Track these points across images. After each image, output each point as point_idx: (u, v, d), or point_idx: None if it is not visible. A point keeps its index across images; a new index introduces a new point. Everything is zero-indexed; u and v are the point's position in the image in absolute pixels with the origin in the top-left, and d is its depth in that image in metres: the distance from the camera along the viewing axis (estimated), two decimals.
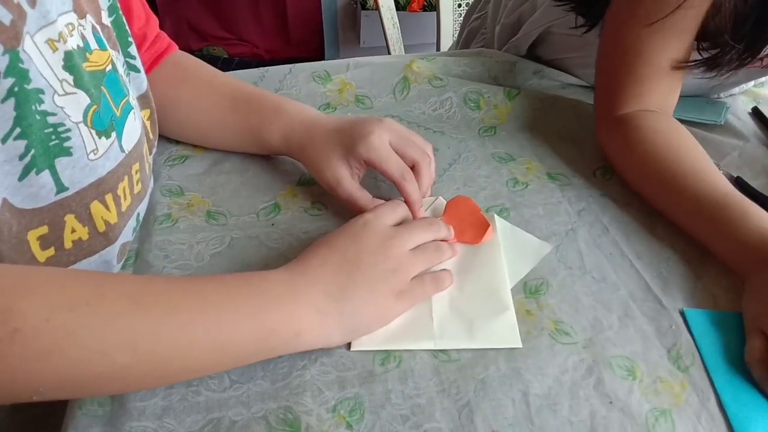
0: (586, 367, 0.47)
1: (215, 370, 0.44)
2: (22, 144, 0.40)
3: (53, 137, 0.42)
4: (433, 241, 0.52)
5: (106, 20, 0.50)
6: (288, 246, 0.56)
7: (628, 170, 0.62)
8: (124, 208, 0.50)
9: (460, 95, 0.72)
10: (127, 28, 0.54)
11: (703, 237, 0.55)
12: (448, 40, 1.32)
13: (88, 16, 0.47)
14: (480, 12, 0.96)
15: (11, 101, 0.38)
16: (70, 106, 0.43)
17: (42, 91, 0.41)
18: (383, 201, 0.57)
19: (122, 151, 0.49)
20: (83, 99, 0.44)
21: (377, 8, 1.26)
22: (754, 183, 0.62)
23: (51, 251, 0.44)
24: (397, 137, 0.57)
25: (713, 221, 0.53)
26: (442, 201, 0.59)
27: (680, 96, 0.63)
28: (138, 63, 0.55)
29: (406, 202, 0.56)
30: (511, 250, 0.55)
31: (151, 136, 0.58)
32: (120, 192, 0.49)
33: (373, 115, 0.70)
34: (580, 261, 0.55)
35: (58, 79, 0.42)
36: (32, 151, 0.40)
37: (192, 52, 2.33)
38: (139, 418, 0.43)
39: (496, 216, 0.58)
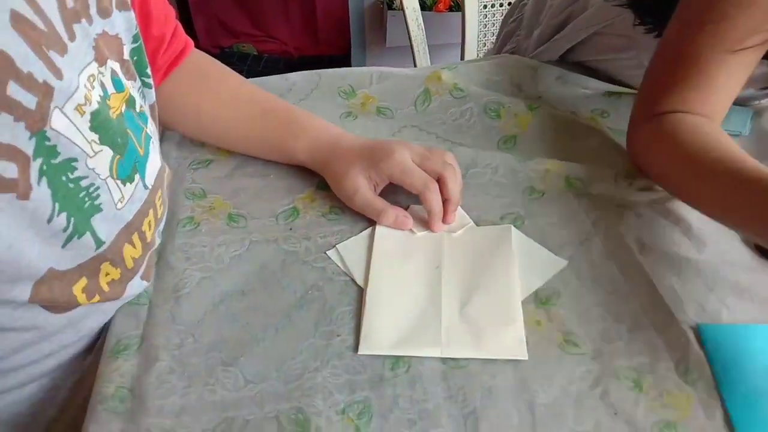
0: (593, 378, 0.47)
1: None
2: (63, 217, 0.41)
3: (86, 199, 0.43)
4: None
5: (127, 54, 0.50)
6: (305, 250, 0.58)
7: (658, 158, 0.59)
8: (149, 239, 0.53)
9: (481, 105, 0.72)
10: (145, 55, 0.53)
11: (742, 220, 0.50)
12: (472, 40, 1.32)
13: (108, 61, 0.46)
14: (516, 15, 0.96)
15: (44, 181, 0.39)
16: (99, 164, 0.44)
17: (75, 159, 0.41)
18: (400, 208, 0.59)
19: (146, 188, 0.51)
20: (108, 153, 0.45)
21: (402, 9, 1.27)
22: None
23: (96, 298, 0.47)
24: (419, 154, 0.59)
25: (753, 201, 0.48)
26: (512, 229, 0.59)
27: None
28: (151, 80, 0.55)
29: (428, 212, 0.58)
30: (525, 263, 0.56)
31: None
32: (145, 227, 0.51)
33: (393, 125, 0.72)
34: (592, 272, 0.55)
35: (87, 141, 0.42)
36: (72, 220, 0.42)
37: (222, 49, 2.38)
38: (157, 416, 0.45)
39: (513, 228, 0.59)
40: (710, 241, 0.58)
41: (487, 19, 1.34)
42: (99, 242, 0.45)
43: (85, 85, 0.42)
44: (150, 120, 0.54)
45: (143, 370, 0.48)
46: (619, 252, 0.57)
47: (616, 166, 0.65)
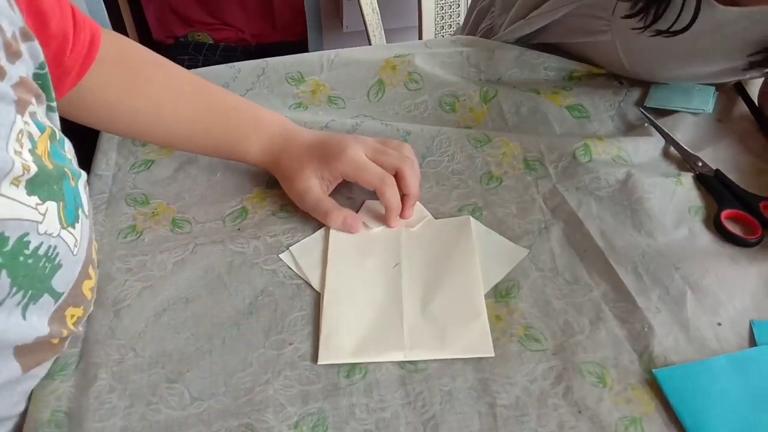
0: (555, 375, 0.46)
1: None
2: (19, 295, 0.37)
3: (47, 265, 0.39)
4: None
5: (31, 78, 0.42)
6: (254, 250, 0.55)
7: None
8: (96, 260, 0.48)
9: (435, 98, 0.70)
10: (50, 81, 0.44)
11: None
12: (430, 23, 1.29)
13: (30, 106, 0.40)
14: None
15: (3, 274, 0.35)
16: (49, 223, 0.39)
17: (26, 234, 0.37)
18: (349, 209, 0.56)
19: (86, 216, 0.46)
20: (53, 207, 0.40)
21: None
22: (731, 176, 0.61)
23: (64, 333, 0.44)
24: (373, 149, 0.57)
25: None
26: (471, 220, 0.57)
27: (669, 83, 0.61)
28: (55, 104, 0.46)
29: (386, 208, 0.56)
30: (485, 255, 0.54)
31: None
32: (94, 254, 0.47)
33: (345, 114, 0.69)
34: (552, 262, 0.54)
35: (32, 207, 0.38)
36: (29, 293, 0.38)
37: (176, 39, 2.31)
38: None
39: (471, 219, 0.57)
40: (670, 224, 0.56)
41: (443, 1, 1.31)
42: (57, 296, 0.41)
43: (16, 152, 0.37)
44: (68, 148, 0.47)
45: (81, 390, 0.45)
46: (579, 239, 0.55)
47: (575, 142, 0.63)
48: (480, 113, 0.69)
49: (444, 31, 1.33)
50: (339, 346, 0.47)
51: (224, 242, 0.56)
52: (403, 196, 0.56)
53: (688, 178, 0.61)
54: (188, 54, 2.26)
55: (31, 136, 0.39)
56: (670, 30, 0.59)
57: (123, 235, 0.56)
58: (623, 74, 0.72)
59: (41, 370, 0.46)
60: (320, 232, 0.57)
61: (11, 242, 0.36)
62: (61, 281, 0.41)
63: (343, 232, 0.56)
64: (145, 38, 2.20)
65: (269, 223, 0.58)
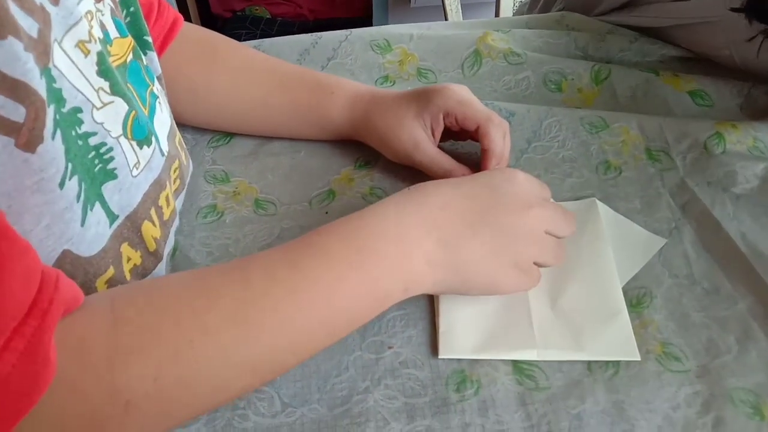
0: (702, 402, 0.39)
1: (326, 344, 0.38)
2: (75, 182, 0.33)
3: (97, 161, 0.35)
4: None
5: None
6: None
7: None
8: (167, 216, 0.45)
9: (540, 75, 0.62)
10: (140, 10, 0.45)
11: None
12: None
13: None
14: None
15: (58, 135, 0.31)
16: (109, 119, 0.36)
17: (80, 110, 0.33)
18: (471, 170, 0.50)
19: (162, 154, 0.43)
20: (121, 107, 0.37)
21: None
22: None
23: None
24: (470, 96, 0.50)
25: None
26: (599, 204, 0.50)
27: None
28: (150, 39, 0.47)
29: (487, 150, 0.48)
30: (618, 244, 0.47)
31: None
32: (162, 202, 0.43)
33: None
34: (687, 267, 0.47)
35: (94, 89, 0.35)
36: (83, 186, 0.34)
37: (234, 13, 2.28)
38: None
39: (598, 202, 0.50)
40: None
41: None
42: (112, 216, 0.37)
43: (86, 17, 0.34)
44: (156, 81, 0.46)
45: None
46: (717, 243, 0.48)
47: (705, 131, 0.55)
48: (590, 94, 0.62)
49: (523, 6, 1.25)
50: (461, 340, 0.42)
51: (312, 227, 0.50)
52: (484, 152, 0.49)
53: None
54: (245, 28, 2.22)
55: (104, 27, 0.37)
56: None
57: (203, 215, 0.52)
58: (735, 69, 0.62)
59: None
60: None
61: (67, 107, 0.32)
62: (116, 198, 0.37)
63: None
64: (204, 11, 2.17)
65: (359, 207, 0.51)
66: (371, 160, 0.56)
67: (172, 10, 0.55)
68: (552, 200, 0.47)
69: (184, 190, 0.51)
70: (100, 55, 0.35)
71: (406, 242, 0.38)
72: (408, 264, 0.38)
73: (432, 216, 0.39)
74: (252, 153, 0.57)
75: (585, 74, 0.62)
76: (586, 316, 0.43)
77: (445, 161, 0.50)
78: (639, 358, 0.41)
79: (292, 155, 0.57)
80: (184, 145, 0.51)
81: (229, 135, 0.59)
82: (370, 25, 1.87)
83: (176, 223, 0.48)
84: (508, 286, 0.41)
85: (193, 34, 0.56)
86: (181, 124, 0.59)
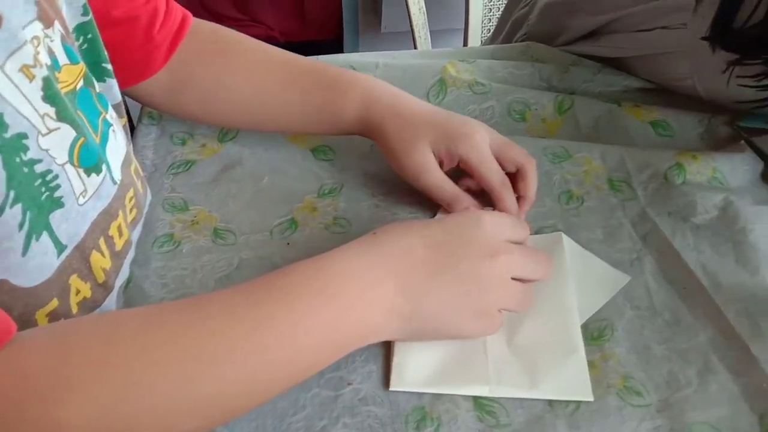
0: None
1: (282, 388, 0.37)
2: (18, 210, 0.32)
3: (43, 189, 0.34)
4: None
5: (72, 27, 0.42)
6: None
7: None
8: (119, 247, 0.43)
9: (504, 104, 0.62)
10: (99, 38, 0.44)
11: None
12: (477, 25, 1.23)
13: (56, 22, 0.37)
14: (522, 6, 0.85)
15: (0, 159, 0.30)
16: (55, 145, 0.35)
17: (25, 136, 0.32)
18: (472, 199, 0.50)
19: (114, 183, 0.42)
20: (68, 133, 0.36)
21: None
22: None
23: None
24: (500, 140, 0.51)
25: None
26: (564, 238, 0.50)
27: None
28: (110, 66, 0.46)
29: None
30: (581, 279, 0.47)
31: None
32: (113, 231, 0.42)
33: None
34: (648, 299, 0.47)
35: (39, 115, 0.34)
36: (29, 215, 0.33)
37: None
38: None
39: (564, 236, 0.50)
40: None
41: (492, 2, 1.24)
42: (60, 246, 0.36)
43: (32, 43, 0.33)
44: (111, 109, 0.45)
45: None
46: (678, 274, 0.48)
47: (666, 161, 0.56)
48: (553, 124, 0.62)
49: (491, 34, 1.27)
50: (414, 373, 0.41)
51: (272, 258, 0.49)
52: (519, 198, 0.50)
53: None
54: None
55: (52, 53, 0.36)
56: None
57: (159, 245, 0.50)
58: (698, 98, 0.63)
59: None
60: None
61: (9, 132, 0.31)
62: (63, 228, 0.36)
63: None
64: None
65: (322, 239, 0.51)
66: (336, 187, 0.56)
67: (180, 9, 0.54)
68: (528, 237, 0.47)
69: (141, 220, 0.49)
70: (46, 80, 0.34)
71: (367, 290, 0.37)
72: (368, 313, 0.37)
73: (395, 264, 0.38)
74: (213, 180, 0.56)
75: (548, 104, 0.62)
76: (542, 353, 0.42)
77: (449, 188, 0.50)
78: (592, 399, 0.40)
79: (255, 182, 0.56)
80: (141, 173, 0.50)
81: (191, 161, 0.58)
82: (341, 47, 1.88)
83: (131, 254, 0.47)
84: (468, 334, 0.41)
85: (204, 31, 0.55)
86: (197, 123, 0.59)
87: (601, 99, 0.64)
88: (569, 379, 0.41)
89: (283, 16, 2.23)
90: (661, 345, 0.44)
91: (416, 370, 0.41)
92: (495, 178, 0.49)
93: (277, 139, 0.60)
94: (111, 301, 0.43)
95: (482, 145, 0.49)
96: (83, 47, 0.43)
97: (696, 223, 0.52)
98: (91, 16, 0.43)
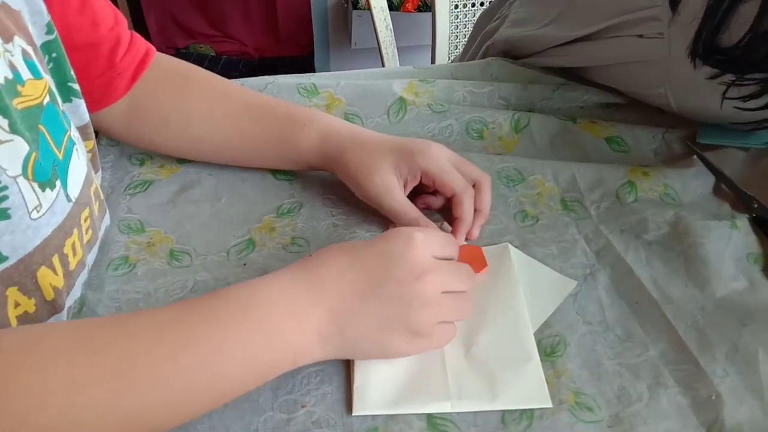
0: None
1: (208, 408, 0.37)
2: None
3: None
4: None
5: (39, 43, 0.42)
6: None
7: None
8: (72, 266, 0.43)
9: (462, 123, 0.64)
10: (66, 57, 0.45)
11: None
12: (444, 42, 1.24)
13: (15, 37, 0.38)
14: (500, 14, 0.85)
15: None
16: (5, 157, 0.35)
17: None
18: (432, 221, 0.52)
19: (69, 200, 0.41)
20: (21, 146, 0.36)
21: (369, 8, 1.18)
22: None
23: None
24: (455, 157, 0.53)
25: None
26: (511, 248, 0.51)
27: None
28: (77, 87, 0.46)
29: (458, 218, 0.51)
30: (530, 287, 0.48)
31: (94, 172, 0.49)
32: (67, 249, 0.41)
33: None
34: (601, 314, 0.47)
35: None
36: None
37: (177, 50, 2.26)
38: None
39: (510, 246, 0.51)
40: (728, 273, 0.50)
41: (458, 20, 1.26)
42: (0, 257, 0.35)
43: None
44: (79, 138, 0.45)
45: None
46: (630, 289, 0.49)
47: (619, 179, 0.57)
48: (510, 142, 0.63)
49: (457, 50, 1.28)
50: (375, 396, 0.41)
51: (228, 280, 0.49)
52: (475, 212, 0.52)
53: (743, 220, 0.55)
54: None
55: (14, 67, 0.36)
56: None
57: (114, 267, 0.50)
58: (666, 109, 0.65)
59: None
60: None
61: None
62: (7, 239, 0.35)
63: None
64: None
65: (279, 259, 0.51)
66: (295, 206, 0.56)
67: (144, 42, 0.55)
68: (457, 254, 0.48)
69: (97, 242, 0.49)
70: None
71: (296, 315, 0.38)
72: (297, 336, 0.38)
73: (325, 288, 0.39)
74: (170, 201, 0.56)
75: (505, 123, 0.63)
76: (499, 363, 0.43)
77: (411, 211, 0.51)
78: (551, 405, 0.41)
79: (212, 203, 0.56)
80: (101, 196, 0.50)
81: (148, 181, 0.57)
82: (313, 63, 1.88)
83: (84, 275, 0.46)
84: (405, 353, 0.42)
85: (167, 64, 0.57)
86: (159, 154, 0.59)
87: (558, 115, 0.65)
88: (527, 388, 0.42)
89: (257, 32, 2.24)
90: (613, 360, 0.44)
91: (377, 392, 0.41)
92: (458, 184, 0.51)
93: None
94: (59, 319, 0.42)
95: (441, 157, 0.51)
96: (50, 66, 0.44)
97: (648, 239, 0.53)
98: (56, 34, 0.44)
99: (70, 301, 0.44)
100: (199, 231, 0.53)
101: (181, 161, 0.60)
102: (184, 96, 0.56)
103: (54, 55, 0.44)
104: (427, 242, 0.42)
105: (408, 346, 0.41)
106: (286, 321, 0.37)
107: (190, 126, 0.56)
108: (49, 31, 0.43)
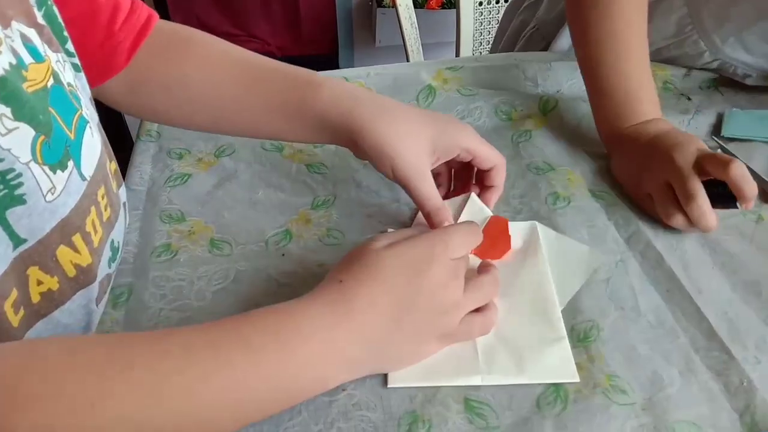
0: None
1: (234, 429, 0.38)
2: None
3: (1, 186, 0.35)
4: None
5: (41, 19, 0.41)
6: (301, 282, 0.50)
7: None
8: (96, 244, 0.44)
9: (491, 105, 0.65)
10: (59, 19, 0.43)
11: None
12: (468, 39, 1.25)
13: (13, 22, 0.37)
14: (524, 13, 0.86)
15: None
16: (15, 144, 0.35)
17: None
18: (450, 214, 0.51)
19: (83, 179, 0.41)
20: (27, 132, 0.36)
21: (394, 6, 1.19)
22: None
23: (21, 313, 0.38)
24: (479, 137, 0.53)
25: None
26: (539, 226, 0.53)
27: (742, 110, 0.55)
28: (77, 60, 0.45)
29: (495, 187, 0.54)
30: (557, 263, 0.50)
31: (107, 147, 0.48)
32: (89, 228, 0.42)
33: None
34: (633, 300, 0.48)
35: None
36: None
37: None
38: None
39: (538, 224, 0.52)
40: (755, 263, 0.50)
41: (482, 16, 1.27)
42: (17, 240, 0.36)
43: None
44: (86, 103, 0.45)
45: None
46: (661, 276, 0.50)
47: None
48: (539, 122, 0.64)
49: (482, 47, 1.29)
50: (409, 369, 0.43)
51: (268, 270, 0.51)
52: (491, 188, 0.54)
53: None
54: None
55: (15, 53, 0.36)
56: None
57: (156, 254, 0.52)
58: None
59: None
60: None
61: None
62: (24, 222, 0.36)
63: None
64: None
65: (316, 251, 0.53)
66: (329, 199, 0.57)
67: (146, 8, 0.53)
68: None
69: (117, 221, 0.48)
70: (1, 80, 0.34)
71: (330, 345, 0.38)
72: (330, 365, 0.39)
73: (360, 319, 0.39)
74: (209, 192, 0.58)
75: (534, 105, 0.65)
76: (527, 341, 0.45)
77: (436, 202, 0.50)
78: (578, 380, 0.42)
79: (249, 194, 0.58)
80: (120, 177, 0.50)
81: (187, 174, 0.59)
82: (337, 61, 1.90)
83: (107, 252, 0.46)
84: (431, 353, 0.43)
85: (168, 29, 0.54)
86: (160, 124, 0.60)
87: (584, 99, 0.66)
88: (554, 364, 0.43)
89: (279, 31, 2.26)
90: (645, 345, 0.45)
91: (411, 367, 0.43)
92: (496, 154, 0.52)
93: (272, 155, 0.62)
94: (88, 297, 0.43)
95: (474, 132, 0.52)
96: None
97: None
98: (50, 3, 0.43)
99: (99, 277, 0.44)
100: (238, 221, 0.55)
101: (218, 156, 0.61)
102: (183, 61, 0.53)
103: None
104: (447, 249, 0.42)
105: (438, 346, 0.43)
106: (319, 351, 0.38)
107: (189, 91, 0.53)
108: (39, 5, 0.41)
